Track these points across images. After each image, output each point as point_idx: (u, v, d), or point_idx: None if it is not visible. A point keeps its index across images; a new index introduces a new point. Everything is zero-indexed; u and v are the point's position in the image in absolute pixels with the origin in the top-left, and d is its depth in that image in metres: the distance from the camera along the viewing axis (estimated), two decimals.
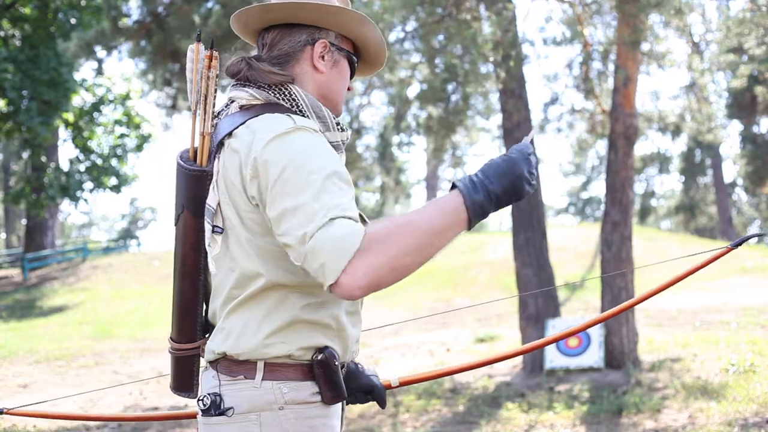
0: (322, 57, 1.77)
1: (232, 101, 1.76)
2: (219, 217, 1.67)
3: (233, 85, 1.78)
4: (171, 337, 1.82)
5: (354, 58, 1.84)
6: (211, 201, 1.67)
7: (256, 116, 1.68)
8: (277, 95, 1.73)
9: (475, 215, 1.45)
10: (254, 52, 1.87)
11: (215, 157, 1.70)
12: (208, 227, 1.67)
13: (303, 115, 1.71)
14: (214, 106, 1.72)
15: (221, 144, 1.69)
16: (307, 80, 1.77)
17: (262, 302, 1.65)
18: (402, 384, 1.78)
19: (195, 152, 1.73)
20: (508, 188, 1.49)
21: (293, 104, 1.72)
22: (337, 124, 1.75)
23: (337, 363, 1.66)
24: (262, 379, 1.64)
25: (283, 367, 1.65)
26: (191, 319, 1.77)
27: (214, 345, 1.69)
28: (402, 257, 1.40)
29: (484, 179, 1.48)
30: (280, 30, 1.77)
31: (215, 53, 1.71)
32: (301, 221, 1.45)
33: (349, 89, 1.86)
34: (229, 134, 1.68)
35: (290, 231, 1.47)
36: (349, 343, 1.74)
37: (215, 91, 1.73)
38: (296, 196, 1.48)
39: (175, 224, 1.75)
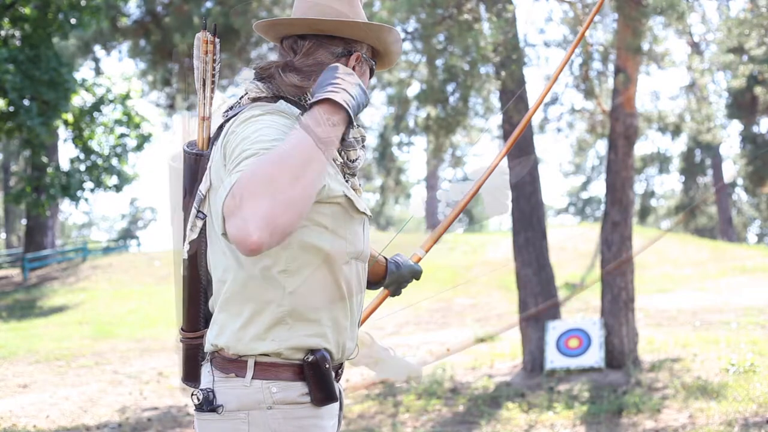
0: (353, 68, 1.79)
1: (246, 93, 1.79)
2: (206, 203, 1.69)
3: (252, 80, 1.80)
4: (181, 327, 1.84)
5: (374, 65, 1.87)
6: (201, 187, 1.69)
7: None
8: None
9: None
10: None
11: (212, 144, 1.72)
12: (193, 211, 1.70)
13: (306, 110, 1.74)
14: (212, 92, 1.73)
15: (220, 129, 1.72)
16: None
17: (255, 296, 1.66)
18: (427, 250, 2.05)
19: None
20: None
21: (300, 99, 1.74)
22: None
23: (328, 366, 1.67)
24: (252, 378, 1.64)
25: (274, 367, 1.65)
26: (195, 306, 1.79)
27: (210, 336, 1.72)
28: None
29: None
30: (315, 40, 1.75)
31: (210, 37, 1.71)
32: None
33: None
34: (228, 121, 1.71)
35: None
36: (345, 342, 1.75)
37: (213, 76, 1.73)
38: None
39: (183, 210, 1.78)
